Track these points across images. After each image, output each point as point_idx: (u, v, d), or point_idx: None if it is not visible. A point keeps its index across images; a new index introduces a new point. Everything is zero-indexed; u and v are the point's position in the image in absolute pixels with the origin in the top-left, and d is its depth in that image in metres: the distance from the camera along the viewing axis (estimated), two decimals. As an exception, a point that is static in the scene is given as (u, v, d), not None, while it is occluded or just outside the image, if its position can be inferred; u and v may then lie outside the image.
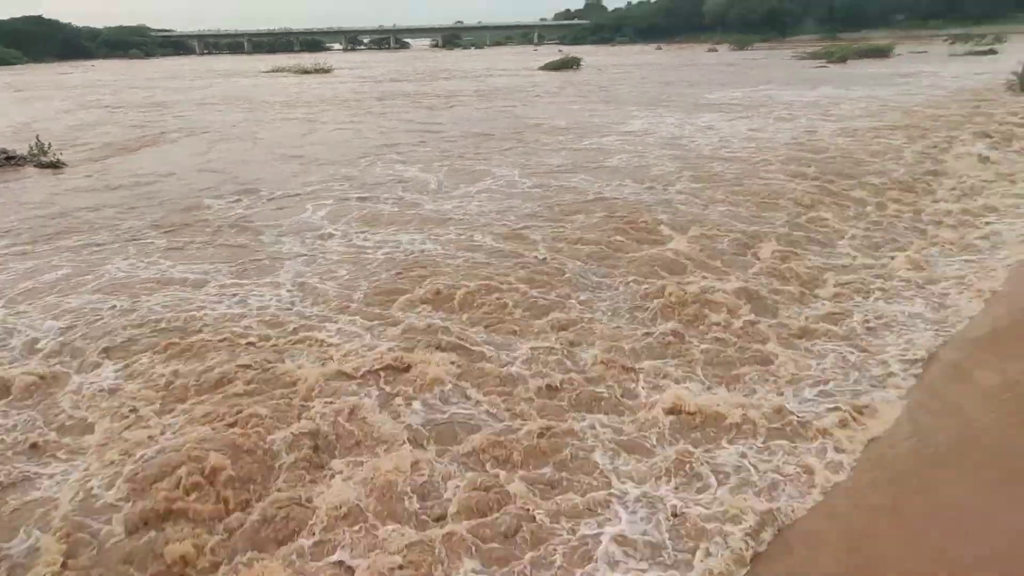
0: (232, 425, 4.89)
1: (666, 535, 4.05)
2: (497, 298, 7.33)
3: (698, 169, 13.82)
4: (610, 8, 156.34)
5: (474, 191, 12.56)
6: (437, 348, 6.16)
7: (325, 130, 22.13)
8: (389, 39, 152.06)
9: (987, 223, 10.48)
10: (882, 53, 58.13)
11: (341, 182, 13.47)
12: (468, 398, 5.46)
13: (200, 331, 6.54)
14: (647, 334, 6.59)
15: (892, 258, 8.94)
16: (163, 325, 6.71)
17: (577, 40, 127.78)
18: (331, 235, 9.95)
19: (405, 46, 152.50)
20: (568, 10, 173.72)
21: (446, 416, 5.21)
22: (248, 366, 5.80)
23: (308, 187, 13.08)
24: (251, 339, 6.38)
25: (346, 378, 5.67)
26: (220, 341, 6.32)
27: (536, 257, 8.61)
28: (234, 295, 7.58)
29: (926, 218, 10.82)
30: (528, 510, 4.22)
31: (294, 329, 6.62)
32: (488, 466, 4.64)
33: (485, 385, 5.62)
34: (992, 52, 54.15)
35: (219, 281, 8.04)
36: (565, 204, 11.36)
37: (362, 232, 10.05)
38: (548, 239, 9.40)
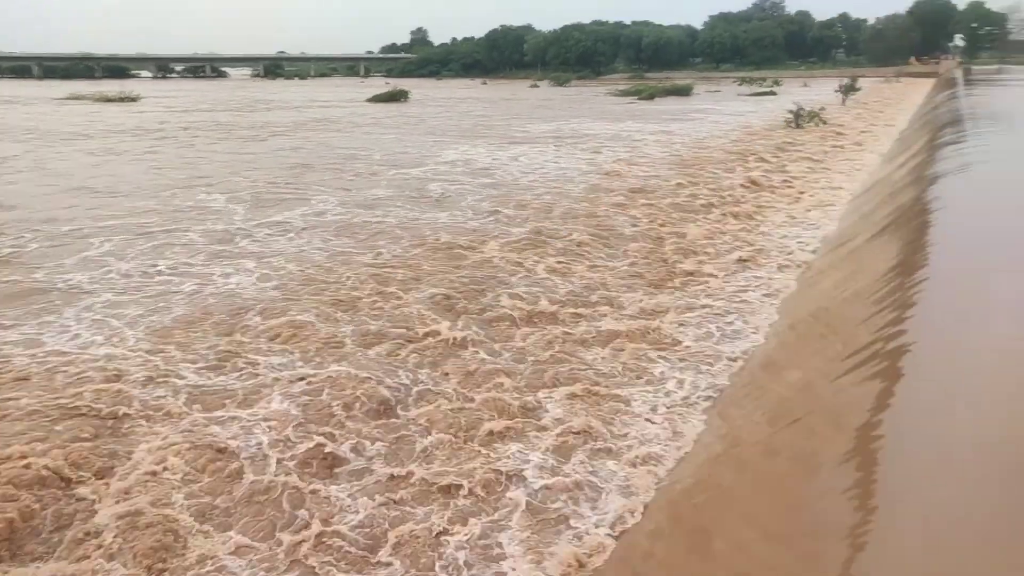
0: None
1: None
2: (298, 327, 7.23)
3: (509, 196, 14.44)
4: (436, 43, 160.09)
5: (281, 219, 12.27)
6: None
7: (124, 160, 20.54)
8: (205, 68, 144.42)
9: (771, 239, 11.93)
10: (684, 92, 64.07)
11: (137, 215, 12.60)
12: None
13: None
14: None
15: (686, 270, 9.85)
16: None
17: (404, 73, 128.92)
18: (118, 269, 9.27)
19: (223, 75, 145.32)
20: (395, 44, 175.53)
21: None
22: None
23: (99, 221, 12.12)
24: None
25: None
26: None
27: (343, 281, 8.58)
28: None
29: (718, 237, 12.01)
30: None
31: (69, 371, 6.10)
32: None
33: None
34: (772, 93, 61.65)
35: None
36: (379, 231, 11.41)
37: (154, 265, 9.48)
38: (358, 265, 9.40)
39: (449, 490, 4.60)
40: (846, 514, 3.19)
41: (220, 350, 6.55)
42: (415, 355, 6.67)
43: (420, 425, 5.43)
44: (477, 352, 6.80)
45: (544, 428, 5.43)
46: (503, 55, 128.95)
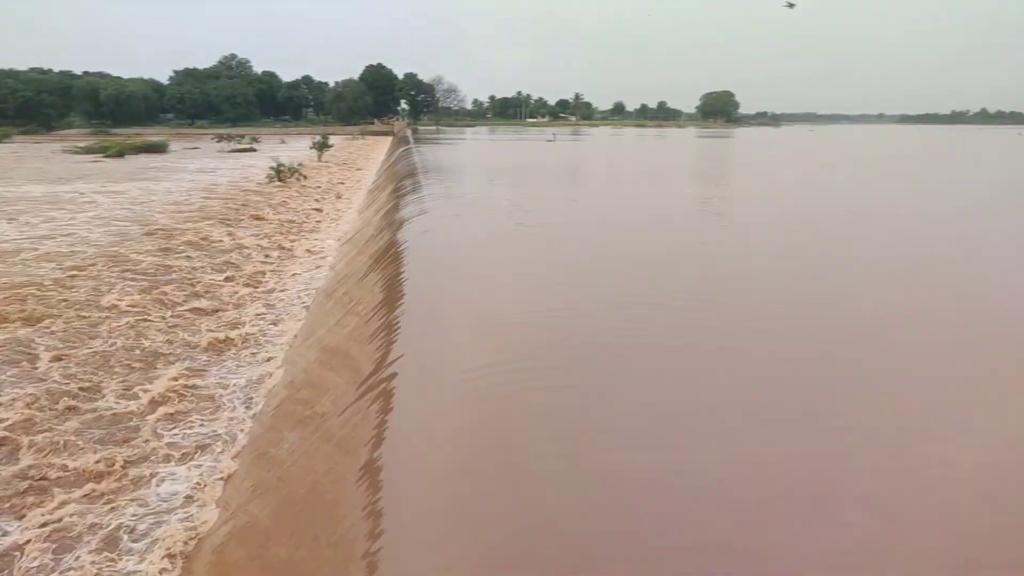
0: None
1: None
2: None
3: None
4: None
5: None
6: None
7: None
8: None
9: (273, 295, 11.91)
10: (160, 148, 60.04)
11: None
12: None
13: None
14: None
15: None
16: None
17: None
18: None
19: None
20: None
21: None
22: None
23: None
24: None
25: None
26: None
27: None
28: None
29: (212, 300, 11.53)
30: None
31: None
32: None
33: None
34: (253, 149, 62.54)
35: None
36: None
37: None
38: None
39: None
40: (363, 524, 3.70)
41: None
42: None
43: None
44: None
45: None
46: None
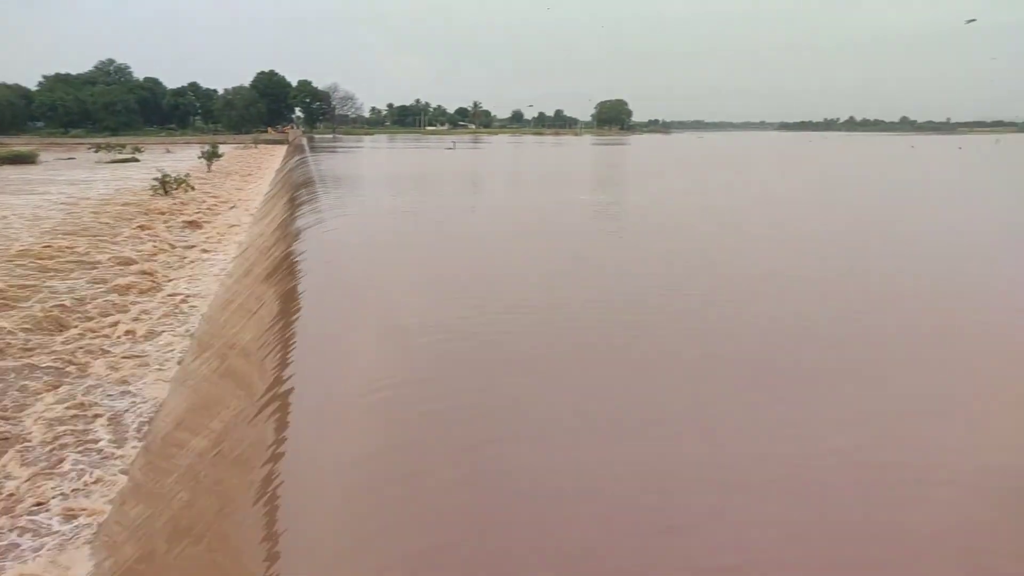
0: None
1: None
2: None
3: None
4: None
5: None
6: None
7: None
8: None
9: (161, 309, 11.24)
10: (28, 159, 55.71)
11: None
12: None
13: None
14: None
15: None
16: None
17: None
18: None
19: None
20: None
21: None
22: None
23: None
24: None
25: None
26: None
27: None
28: None
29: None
30: None
31: None
32: None
33: None
34: (135, 160, 58.99)
35: None
36: None
37: None
38: None
39: None
40: (259, 537, 3.63)
41: None
42: None
43: None
44: None
45: None
46: None
